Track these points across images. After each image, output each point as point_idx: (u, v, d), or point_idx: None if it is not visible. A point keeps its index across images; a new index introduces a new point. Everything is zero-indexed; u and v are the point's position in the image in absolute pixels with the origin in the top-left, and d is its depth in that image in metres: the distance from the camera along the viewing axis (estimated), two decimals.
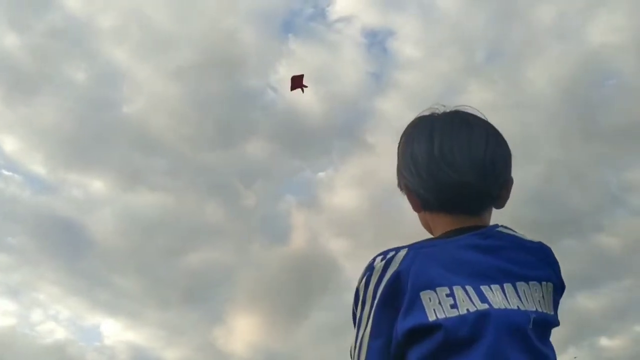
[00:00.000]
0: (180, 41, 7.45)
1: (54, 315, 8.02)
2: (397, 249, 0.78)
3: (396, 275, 0.76)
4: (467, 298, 0.75)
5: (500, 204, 0.87)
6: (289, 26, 8.17)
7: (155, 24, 7.54)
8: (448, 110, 0.88)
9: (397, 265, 0.77)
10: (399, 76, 7.77)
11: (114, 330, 8.44)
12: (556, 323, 0.81)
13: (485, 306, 0.74)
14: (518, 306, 0.76)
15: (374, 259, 0.79)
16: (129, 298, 8.28)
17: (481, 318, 0.73)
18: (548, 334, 0.80)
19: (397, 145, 0.90)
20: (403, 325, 0.75)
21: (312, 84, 8.27)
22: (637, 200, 7.44)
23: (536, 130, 7.22)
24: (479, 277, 0.77)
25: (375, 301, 0.77)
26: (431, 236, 0.88)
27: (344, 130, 8.15)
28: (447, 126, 0.85)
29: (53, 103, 7.66)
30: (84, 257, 8.08)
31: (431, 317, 0.73)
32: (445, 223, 0.84)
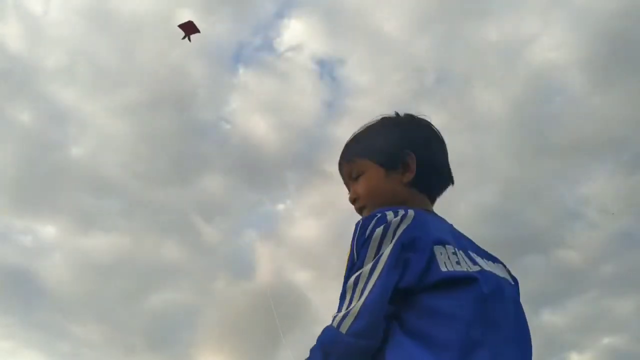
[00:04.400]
0: (128, 78, 7.32)
1: None
2: (405, 208, 0.88)
3: (413, 227, 0.84)
4: (464, 259, 0.86)
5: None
6: (238, 57, 8.10)
7: (101, 62, 7.39)
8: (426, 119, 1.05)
9: (411, 220, 0.85)
10: (351, 103, 7.78)
11: None
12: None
13: (478, 268, 0.86)
14: (497, 274, 0.89)
15: (384, 214, 0.86)
16: (89, 347, 7.89)
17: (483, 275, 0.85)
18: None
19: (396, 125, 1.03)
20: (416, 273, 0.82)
21: (266, 115, 8.23)
22: (593, 213, 7.56)
23: (490, 149, 7.31)
24: (460, 244, 0.89)
25: (394, 246, 0.82)
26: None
27: (301, 160, 8.08)
28: (436, 130, 1.04)
29: None
30: (37, 308, 7.69)
31: (443, 269, 0.82)
32: (422, 202, 0.98)
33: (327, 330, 0.82)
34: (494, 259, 0.96)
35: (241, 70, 8.02)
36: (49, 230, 8.12)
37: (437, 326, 0.79)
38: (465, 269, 0.83)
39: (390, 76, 7.68)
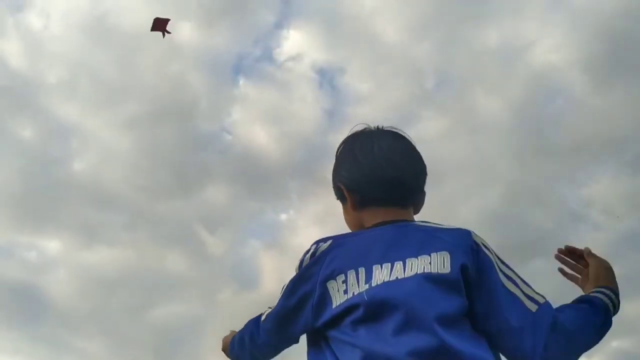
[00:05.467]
0: (129, 91, 7.34)
1: None
2: (326, 239, 0.95)
3: (310, 265, 0.93)
4: (354, 282, 0.88)
5: (418, 208, 1.04)
6: (238, 69, 8.13)
7: (102, 76, 7.41)
8: (378, 127, 1.07)
9: (319, 253, 0.93)
10: (351, 111, 7.79)
11: None
12: (450, 277, 0.88)
13: (366, 287, 0.87)
14: (397, 277, 0.87)
15: (307, 250, 0.96)
16: None
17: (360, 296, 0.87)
18: (447, 288, 0.87)
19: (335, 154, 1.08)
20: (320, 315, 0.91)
21: (267, 125, 8.25)
22: (598, 215, 7.51)
23: (491, 152, 7.28)
24: (373, 258, 0.90)
25: (292, 279, 0.96)
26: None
27: (303, 169, 8.08)
28: (384, 134, 1.04)
29: None
30: (43, 323, 7.68)
31: (334, 304, 0.88)
32: (376, 216, 1.00)
33: (257, 316, 1.06)
34: (433, 248, 0.89)
35: (242, 81, 8.03)
36: (52, 246, 8.12)
37: (346, 356, 0.87)
38: (351, 294, 0.87)
39: (391, 82, 7.69)
